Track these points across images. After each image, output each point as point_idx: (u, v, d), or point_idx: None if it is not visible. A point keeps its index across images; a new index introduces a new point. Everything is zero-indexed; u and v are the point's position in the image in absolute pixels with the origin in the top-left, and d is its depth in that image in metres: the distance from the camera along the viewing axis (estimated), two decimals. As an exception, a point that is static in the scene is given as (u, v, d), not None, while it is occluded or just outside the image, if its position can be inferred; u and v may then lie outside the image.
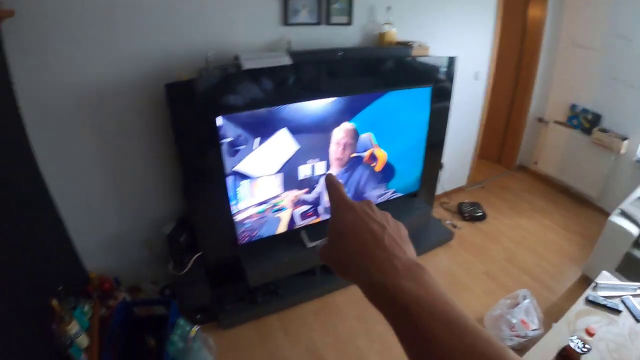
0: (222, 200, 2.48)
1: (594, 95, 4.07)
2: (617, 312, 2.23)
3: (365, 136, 2.80)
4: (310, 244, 2.84)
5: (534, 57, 4.31)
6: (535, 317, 2.71)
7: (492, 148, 5.13)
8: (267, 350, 2.69)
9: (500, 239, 3.84)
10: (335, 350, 2.70)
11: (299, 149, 2.57)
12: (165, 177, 2.75)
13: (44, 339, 1.90)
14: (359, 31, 2.96)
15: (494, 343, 0.39)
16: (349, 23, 2.87)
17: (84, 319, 2.21)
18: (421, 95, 2.93)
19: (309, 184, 2.75)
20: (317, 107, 2.52)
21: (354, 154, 2.82)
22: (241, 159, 2.41)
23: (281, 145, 2.51)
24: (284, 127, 2.45)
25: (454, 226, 3.96)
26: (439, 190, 3.99)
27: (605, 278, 2.48)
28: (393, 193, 3.21)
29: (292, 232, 2.88)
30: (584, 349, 1.79)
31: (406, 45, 2.90)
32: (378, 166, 2.99)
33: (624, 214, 3.04)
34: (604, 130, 3.95)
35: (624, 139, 3.80)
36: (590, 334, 1.79)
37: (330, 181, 0.55)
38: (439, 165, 3.58)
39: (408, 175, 3.22)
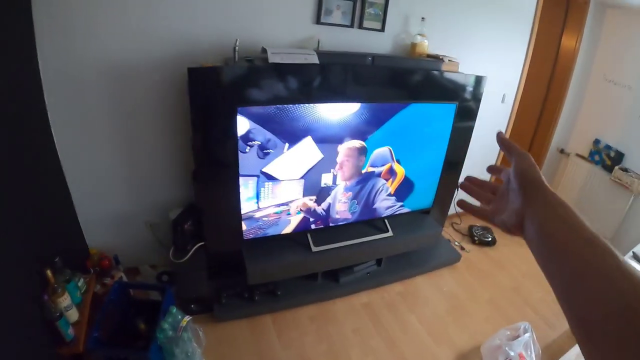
0: (232, 193, 2.44)
1: (619, 133, 3.98)
2: None
3: (384, 150, 2.76)
4: (316, 249, 2.79)
5: (563, 87, 4.22)
6: (534, 353, 2.62)
7: (510, 174, 5.00)
8: (257, 349, 2.64)
9: (507, 267, 3.75)
10: (326, 358, 2.64)
11: (322, 158, 2.57)
12: (177, 162, 2.72)
13: (34, 308, 1.86)
14: (391, 39, 2.92)
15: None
16: (381, 29, 2.83)
17: (77, 293, 2.20)
18: (445, 112, 2.87)
19: (327, 192, 2.75)
20: (341, 116, 2.49)
21: (371, 168, 2.80)
22: (269, 162, 2.42)
23: (307, 152, 2.51)
24: (308, 135, 2.45)
25: (462, 248, 3.89)
26: (452, 211, 3.91)
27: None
28: (403, 207, 3.15)
29: (299, 234, 2.83)
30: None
31: (437, 58, 2.85)
32: (396, 182, 2.95)
33: (637, 258, 2.93)
34: (625, 170, 3.85)
35: (645, 180, 3.69)
36: None
37: (503, 138, 0.68)
38: (455, 185, 3.50)
39: (423, 193, 3.16)
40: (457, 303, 3.24)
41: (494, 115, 3.84)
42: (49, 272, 1.93)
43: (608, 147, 4.03)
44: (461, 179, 0.87)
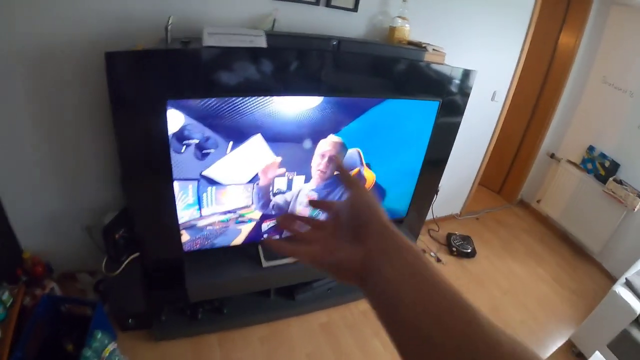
0: (166, 200, 2.06)
1: (616, 141, 3.67)
2: None
3: (352, 152, 2.37)
4: (267, 264, 2.41)
5: (558, 87, 3.90)
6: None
7: (495, 176, 4.73)
8: (198, 374, 2.31)
9: (487, 283, 3.42)
10: (275, 387, 2.30)
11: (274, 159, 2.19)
12: (109, 160, 2.36)
13: None
14: (365, 21, 2.51)
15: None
16: (354, 9, 2.41)
17: (0, 308, 1.99)
18: (426, 110, 2.48)
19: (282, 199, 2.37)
20: (298, 111, 2.09)
21: (336, 172, 2.39)
22: (210, 164, 2.04)
23: (255, 153, 2.12)
24: (258, 132, 2.05)
25: (439, 260, 3.55)
26: (429, 216, 3.57)
27: (598, 360, 2.07)
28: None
29: (248, 246, 2.44)
30: None
31: (419, 47, 2.45)
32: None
33: (629, 286, 2.67)
34: (620, 182, 3.55)
35: (640, 196, 3.41)
36: None
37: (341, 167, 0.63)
38: (434, 192, 3.14)
39: (396, 200, 2.79)
40: (428, 325, 2.89)
41: (483, 114, 3.49)
42: None
43: (603, 156, 3.72)
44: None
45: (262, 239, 2.43)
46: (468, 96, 2.65)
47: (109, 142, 2.28)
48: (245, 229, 2.36)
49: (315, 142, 2.22)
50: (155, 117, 1.78)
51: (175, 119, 1.81)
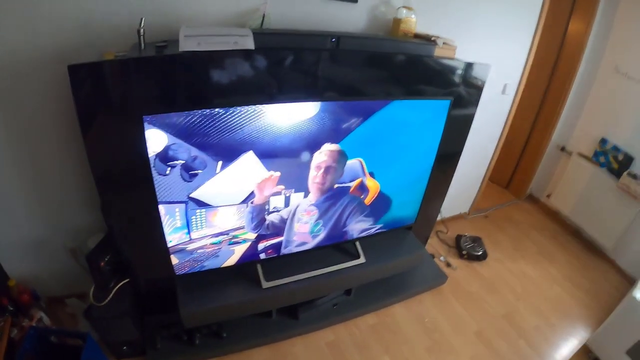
0: (152, 226, 1.87)
1: (630, 133, 3.47)
2: None
3: (354, 162, 2.17)
4: (267, 284, 2.22)
5: (568, 78, 3.69)
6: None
7: (503, 171, 4.54)
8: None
9: (499, 288, 3.24)
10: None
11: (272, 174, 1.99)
12: (90, 180, 2.13)
13: None
14: (366, 13, 2.29)
15: None
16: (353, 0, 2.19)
17: None
18: (436, 110, 2.28)
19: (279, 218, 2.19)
20: (294, 122, 1.87)
21: (338, 185, 2.21)
22: (199, 185, 1.84)
23: (248, 172, 1.92)
24: (250, 149, 1.84)
25: (448, 264, 3.37)
26: (437, 218, 3.39)
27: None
28: (380, 228, 2.59)
29: (246, 265, 2.25)
30: None
31: (428, 40, 2.23)
32: (367, 199, 2.38)
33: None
34: (635, 177, 3.36)
35: (656, 192, 3.23)
36: None
37: None
38: (444, 194, 2.94)
39: (403, 208, 2.60)
40: (440, 338, 2.72)
41: (493, 109, 3.29)
42: None
43: (616, 149, 3.53)
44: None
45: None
46: (481, 92, 2.45)
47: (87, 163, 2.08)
48: (239, 250, 2.18)
49: (309, 154, 2.03)
50: (132, 136, 1.58)
51: (157, 139, 1.61)
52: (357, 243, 2.54)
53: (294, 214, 2.19)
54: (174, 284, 2.14)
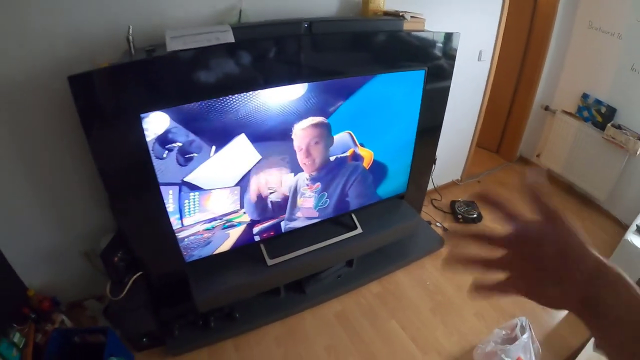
0: (159, 216, 2.00)
1: (610, 86, 3.55)
2: None
3: (343, 135, 2.29)
4: (272, 262, 2.35)
5: (544, 38, 3.77)
6: (533, 354, 2.27)
7: (491, 136, 4.63)
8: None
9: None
10: (297, 385, 2.27)
11: (260, 160, 2.10)
12: (98, 183, 2.24)
13: None
14: (337, -2, 2.39)
15: None
16: (322, -14, 2.30)
17: (13, 352, 1.96)
18: (412, 81, 2.40)
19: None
20: (281, 104, 2.00)
21: (334, 157, 2.33)
22: (193, 169, 1.95)
23: (240, 154, 2.04)
24: (241, 132, 1.96)
25: (445, 230, 3.49)
26: (430, 186, 3.50)
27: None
28: (376, 197, 2.72)
29: (248, 246, 2.38)
30: None
31: (396, 16, 2.34)
32: (366, 165, 2.51)
33: (641, 231, 2.59)
34: (619, 127, 3.45)
35: (641, 138, 3.33)
36: None
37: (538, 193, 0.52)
38: (431, 163, 3.07)
39: (397, 177, 2.73)
40: (443, 299, 2.85)
41: (471, 75, 3.39)
42: None
43: (598, 102, 3.62)
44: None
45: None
46: (454, 59, 2.57)
47: (92, 166, 2.19)
48: (234, 234, 2.29)
49: (297, 128, 2.16)
50: (131, 134, 1.71)
51: (159, 123, 1.74)
52: (353, 215, 2.66)
53: (294, 190, 2.32)
54: (185, 271, 2.27)
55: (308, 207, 2.43)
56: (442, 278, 3.02)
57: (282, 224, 2.40)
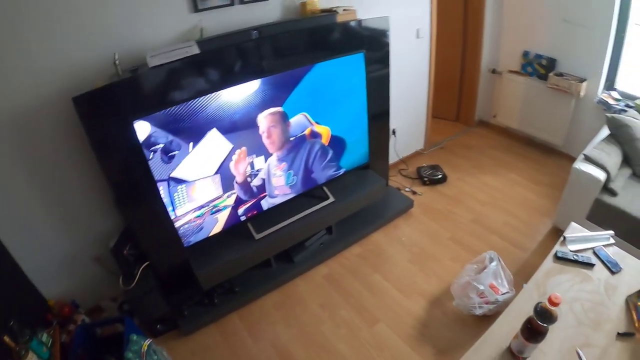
0: (157, 207, 2.33)
1: (546, 39, 3.91)
2: (589, 266, 2.03)
3: (299, 117, 2.64)
4: (259, 235, 2.70)
5: (480, 5, 4.11)
6: (505, 280, 2.57)
7: (449, 106, 4.97)
8: (231, 350, 2.59)
9: (464, 200, 3.70)
10: (299, 340, 2.59)
11: (232, 148, 2.45)
12: (99, 190, 2.59)
13: None
14: (279, 6, 2.74)
15: None
16: (265, -1, 2.67)
17: (43, 349, 2.11)
18: (354, 63, 2.76)
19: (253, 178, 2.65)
20: (243, 98, 2.36)
21: (292, 137, 2.67)
22: (177, 165, 2.29)
23: (214, 146, 2.38)
24: (213, 127, 2.32)
25: (414, 193, 3.82)
26: (395, 158, 3.83)
27: (574, 230, 2.28)
28: (340, 169, 3.06)
29: (237, 226, 2.72)
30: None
31: (330, 11, 2.71)
32: (324, 140, 2.85)
33: (589, 159, 2.90)
34: (561, 75, 3.80)
35: (582, 80, 3.66)
36: (555, 304, 1.59)
37: None
38: (387, 133, 3.41)
39: (357, 148, 3.07)
40: (419, 250, 3.19)
41: (412, 52, 3.72)
42: (6, 338, 1.87)
43: (539, 57, 3.97)
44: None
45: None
46: (388, 41, 2.93)
47: (96, 175, 2.50)
48: (222, 217, 2.62)
49: (258, 118, 2.50)
50: (127, 138, 2.06)
51: (142, 129, 2.08)
52: (325, 187, 3.01)
53: (268, 172, 2.66)
54: (186, 257, 2.59)
55: (281, 185, 2.77)
56: (416, 233, 3.36)
57: (263, 202, 2.74)
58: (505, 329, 1.77)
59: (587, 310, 1.83)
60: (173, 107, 2.13)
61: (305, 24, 2.64)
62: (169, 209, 2.38)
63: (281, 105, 2.52)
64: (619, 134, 3.05)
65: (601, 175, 2.79)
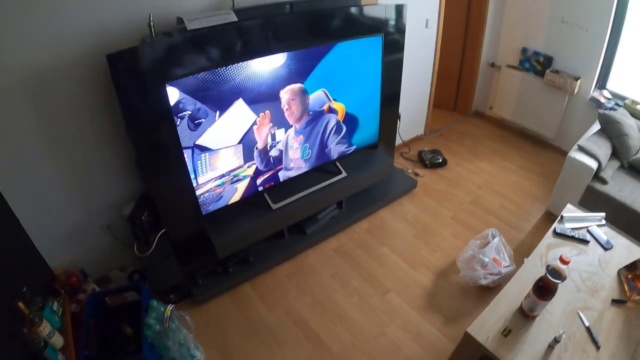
0: (180, 172, 2.37)
1: (544, 38, 4.10)
2: (585, 242, 2.29)
3: (319, 93, 2.73)
4: (275, 206, 2.79)
5: (483, 2, 4.27)
6: (506, 255, 2.77)
7: (447, 96, 5.13)
8: (245, 318, 2.66)
9: (463, 183, 3.89)
10: (313, 308, 2.70)
11: (256, 119, 2.52)
12: (116, 156, 2.59)
13: (16, 344, 1.80)
14: (305, -16, 2.83)
15: None
16: (295, -25, 2.74)
17: (55, 318, 2.11)
18: (372, 45, 2.87)
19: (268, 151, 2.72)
20: (269, 71, 2.43)
21: (311, 111, 2.76)
22: (202, 132, 2.33)
23: (239, 116, 2.44)
24: (239, 97, 2.38)
25: (417, 174, 3.98)
26: (399, 141, 3.97)
27: (570, 211, 2.52)
28: (352, 146, 3.17)
29: (254, 196, 2.79)
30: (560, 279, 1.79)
31: (356, -6, 2.82)
32: (340, 117, 2.95)
33: (582, 149, 3.10)
34: (556, 72, 4.00)
35: (577, 78, 3.86)
36: (565, 262, 1.78)
37: None
38: (396, 116, 3.55)
39: (368, 127, 3.19)
40: (423, 227, 3.35)
41: (421, 42, 3.86)
42: (21, 305, 1.86)
43: (536, 54, 4.15)
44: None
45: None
46: (404, 27, 3.05)
47: (114, 140, 2.51)
48: (241, 187, 2.69)
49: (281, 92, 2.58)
50: (158, 100, 2.09)
51: (172, 94, 2.12)
52: (337, 163, 3.12)
53: (286, 144, 2.75)
54: (202, 226, 2.64)
55: (297, 158, 2.87)
56: (420, 211, 3.53)
57: (280, 174, 2.83)
58: (515, 292, 1.99)
59: (585, 279, 2.08)
60: (203, 73, 2.17)
61: (333, 4, 2.74)
62: (191, 176, 2.42)
63: (304, 80, 2.60)
64: (609, 129, 3.26)
65: (593, 164, 3.00)
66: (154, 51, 2.08)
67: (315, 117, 2.80)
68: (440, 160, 4.10)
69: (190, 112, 2.22)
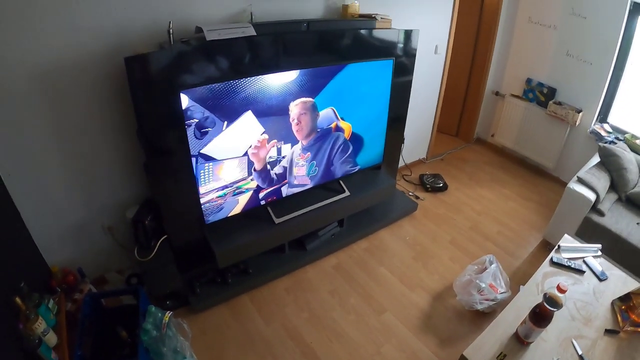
0: (187, 180, 2.39)
1: (549, 70, 4.19)
2: (580, 272, 2.32)
3: (327, 111, 2.78)
4: (278, 220, 2.81)
5: (491, 33, 4.37)
6: (503, 281, 2.80)
7: (450, 122, 5.21)
8: (242, 330, 2.66)
9: (462, 208, 3.93)
10: (310, 324, 2.71)
11: (263, 132, 2.55)
12: (125, 159, 2.62)
13: (10, 340, 1.80)
14: (322, 3, 2.90)
15: None
16: (311, -7, 2.81)
17: (50, 315, 2.09)
18: (383, 68, 2.93)
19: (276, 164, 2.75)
20: (280, 86, 2.47)
21: (319, 129, 2.81)
22: (208, 142, 2.35)
23: (247, 128, 2.46)
24: (248, 109, 2.41)
25: (417, 197, 4.03)
26: (401, 163, 4.02)
27: (567, 241, 2.55)
28: (356, 166, 3.21)
29: (258, 209, 2.82)
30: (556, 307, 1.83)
31: (370, 18, 2.89)
32: (346, 135, 2.99)
33: (581, 181, 3.16)
34: (559, 103, 4.08)
35: (579, 111, 3.94)
36: (562, 291, 1.82)
37: None
38: (401, 138, 3.61)
39: (373, 148, 3.23)
40: (421, 249, 3.38)
41: (429, 67, 3.94)
42: (18, 300, 1.84)
43: (540, 85, 4.24)
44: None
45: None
46: (415, 52, 3.12)
47: (124, 142, 2.53)
48: (243, 199, 2.70)
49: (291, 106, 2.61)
50: (172, 106, 2.13)
51: (183, 101, 2.15)
52: (341, 181, 3.16)
53: (291, 161, 2.78)
54: (204, 234, 2.66)
55: (302, 175, 2.90)
56: (419, 234, 3.56)
57: (283, 189, 2.86)
58: (511, 318, 2.02)
59: (579, 308, 2.12)
60: (217, 84, 2.20)
61: (349, 25, 2.80)
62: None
63: (314, 97, 2.65)
64: (608, 162, 3.33)
65: (592, 196, 3.06)
66: (173, 58, 2.11)
67: (323, 135, 2.84)
68: (441, 185, 4.15)
69: (197, 120, 2.24)
